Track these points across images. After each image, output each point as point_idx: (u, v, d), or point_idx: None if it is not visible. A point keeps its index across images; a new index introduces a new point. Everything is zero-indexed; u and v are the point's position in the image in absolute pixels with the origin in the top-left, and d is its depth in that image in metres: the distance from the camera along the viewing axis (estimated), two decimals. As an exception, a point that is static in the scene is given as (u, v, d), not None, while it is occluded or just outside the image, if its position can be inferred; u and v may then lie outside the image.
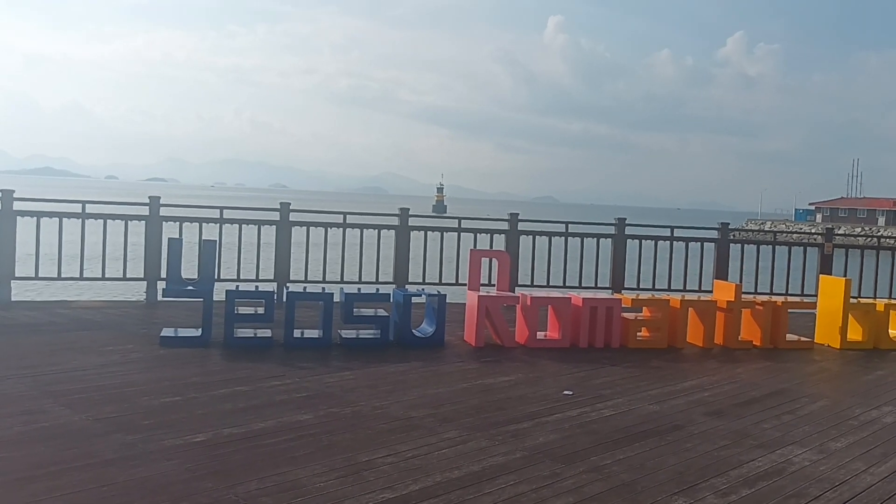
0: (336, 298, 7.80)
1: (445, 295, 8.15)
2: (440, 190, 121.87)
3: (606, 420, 5.63)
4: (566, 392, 6.34)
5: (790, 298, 10.38)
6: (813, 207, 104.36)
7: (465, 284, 11.10)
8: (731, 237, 12.08)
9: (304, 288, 8.25)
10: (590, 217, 12.44)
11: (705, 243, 11.88)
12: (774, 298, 9.64)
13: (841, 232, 17.30)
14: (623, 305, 8.49)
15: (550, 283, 11.30)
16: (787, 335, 8.98)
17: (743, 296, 8.94)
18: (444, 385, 6.46)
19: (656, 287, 11.54)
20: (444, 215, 11.78)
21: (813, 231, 17.93)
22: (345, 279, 10.63)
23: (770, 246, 12.47)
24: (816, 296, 9.70)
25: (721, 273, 11.52)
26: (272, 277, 10.37)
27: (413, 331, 7.99)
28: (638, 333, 8.51)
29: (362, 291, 8.17)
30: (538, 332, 8.24)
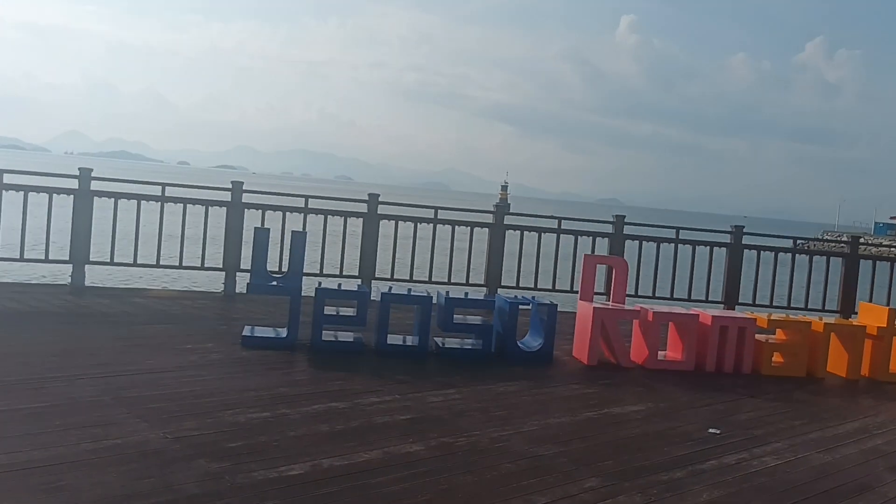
0: (434, 301, 6.99)
1: (556, 305, 7.23)
2: (504, 187, 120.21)
3: (773, 472, 4.65)
4: (712, 430, 5.37)
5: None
6: (895, 221, 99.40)
7: (563, 290, 10.18)
8: (860, 252, 10.86)
9: (390, 288, 7.45)
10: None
11: (831, 258, 10.69)
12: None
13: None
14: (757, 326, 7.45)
15: (656, 295, 10.29)
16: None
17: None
18: (564, 413, 5.57)
19: (774, 304, 10.43)
20: (542, 214, 10.84)
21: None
22: (433, 279, 9.84)
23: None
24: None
25: (849, 291, 10.33)
26: (356, 273, 9.64)
27: (518, 343, 7.12)
28: (772, 359, 7.46)
29: (468, 296, 7.28)
30: (658, 352, 7.27)
